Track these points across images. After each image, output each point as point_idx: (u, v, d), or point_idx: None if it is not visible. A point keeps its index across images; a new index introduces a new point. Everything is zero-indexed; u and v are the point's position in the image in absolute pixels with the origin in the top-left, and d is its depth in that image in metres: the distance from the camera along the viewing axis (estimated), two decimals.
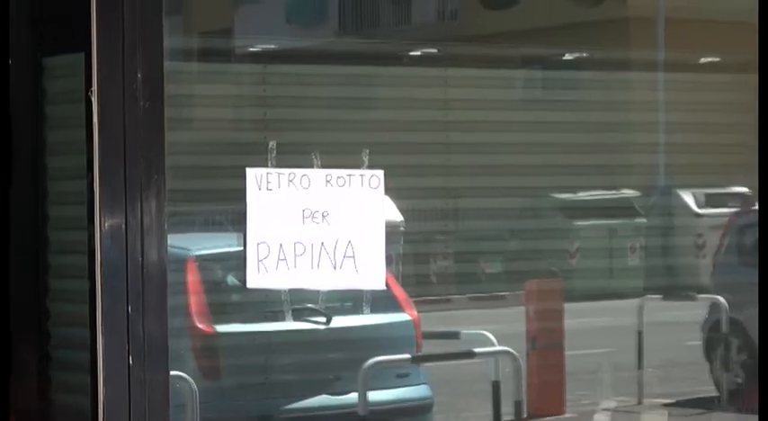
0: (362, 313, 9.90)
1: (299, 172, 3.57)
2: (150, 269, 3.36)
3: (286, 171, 3.56)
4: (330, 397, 9.57)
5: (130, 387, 3.36)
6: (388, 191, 3.65)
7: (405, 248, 14.28)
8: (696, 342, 13.77)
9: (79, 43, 3.45)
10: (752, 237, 14.65)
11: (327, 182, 3.59)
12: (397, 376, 9.82)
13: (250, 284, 3.50)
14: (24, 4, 4.51)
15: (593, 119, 15.69)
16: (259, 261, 3.52)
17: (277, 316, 9.59)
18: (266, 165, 3.56)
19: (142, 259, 3.35)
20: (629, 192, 18.01)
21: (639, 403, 13.14)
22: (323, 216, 3.57)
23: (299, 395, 9.46)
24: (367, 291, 10.05)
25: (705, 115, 16.18)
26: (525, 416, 10.00)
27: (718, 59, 15.10)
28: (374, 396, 9.32)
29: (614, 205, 17.92)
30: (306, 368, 9.82)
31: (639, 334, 13.35)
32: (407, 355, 9.94)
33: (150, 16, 3.38)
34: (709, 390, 13.36)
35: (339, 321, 9.71)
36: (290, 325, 9.55)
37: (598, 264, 17.26)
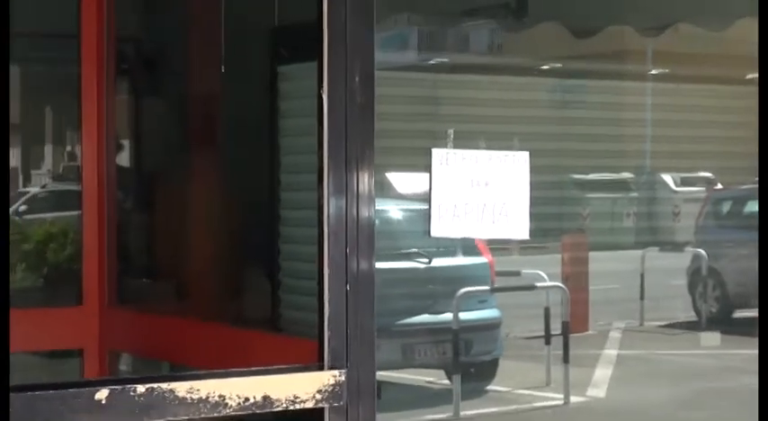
0: (454, 256, 9.89)
1: (469, 152, 3.49)
2: (362, 221, 3.30)
3: (460, 151, 3.48)
4: (431, 316, 9.57)
5: (347, 307, 3.30)
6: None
7: None
8: (682, 282, 13.71)
9: (309, 54, 3.37)
10: (725, 208, 14.57)
11: (489, 160, 3.51)
12: (478, 301, 9.83)
13: (433, 234, 3.43)
14: (265, 26, 4.46)
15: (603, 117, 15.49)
16: (439, 217, 3.44)
17: (393, 257, 9.59)
18: (445, 147, 3.48)
19: (357, 214, 3.28)
20: (626, 174, 17.85)
21: (641, 325, 13.10)
22: (485, 184, 3.49)
23: (409, 314, 9.45)
24: (456, 240, 9.89)
25: (683, 116, 15.94)
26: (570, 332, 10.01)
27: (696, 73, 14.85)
28: (462, 316, 9.33)
29: (615, 183, 17.76)
30: (414, 295, 9.81)
31: (642, 275, 13.31)
32: (486, 287, 9.96)
33: (365, 35, 3.32)
34: (691, 316, 13.29)
35: (437, 262, 9.71)
36: (403, 264, 9.55)
37: (604, 225, 17.10)
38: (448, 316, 9.26)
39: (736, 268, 13.75)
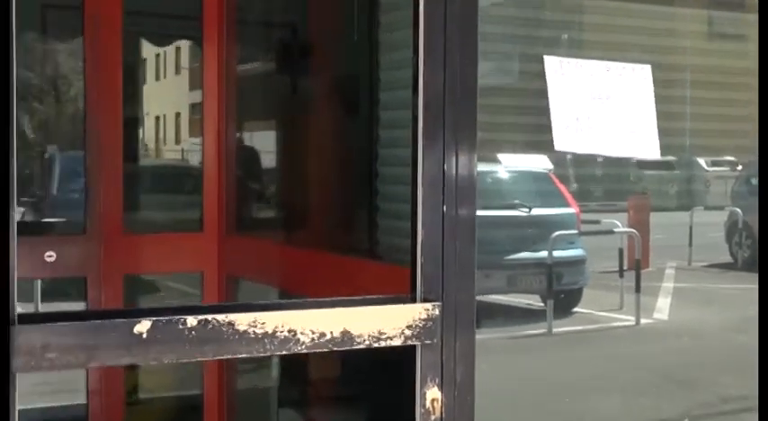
0: (549, 207, 8.61)
1: (584, 61, 2.03)
2: (461, 169, 1.86)
3: (574, 60, 2.02)
4: (530, 253, 8.35)
5: (444, 232, 1.89)
6: None
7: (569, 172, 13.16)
8: (721, 233, 12.35)
9: None
10: (753, 181, 13.19)
11: (606, 71, 2.05)
12: (568, 242, 8.56)
13: (557, 147, 2.02)
14: None
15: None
16: (561, 129, 2.00)
17: (501, 207, 8.43)
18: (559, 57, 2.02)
19: (456, 160, 1.85)
20: (670, 157, 16.57)
21: (689, 265, 11.69)
22: (606, 98, 2.03)
23: (513, 251, 8.24)
24: (548, 194, 8.20)
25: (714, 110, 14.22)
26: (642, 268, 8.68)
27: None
28: (555, 253, 8.14)
29: (663, 163, 16.46)
30: (517, 237, 8.54)
31: (690, 228, 11.99)
32: (575, 231, 8.67)
33: None
34: (728, 259, 11.92)
35: (536, 211, 8.49)
36: (508, 213, 8.35)
37: (657, 192, 15.81)
38: (544, 253, 8.04)
39: None
